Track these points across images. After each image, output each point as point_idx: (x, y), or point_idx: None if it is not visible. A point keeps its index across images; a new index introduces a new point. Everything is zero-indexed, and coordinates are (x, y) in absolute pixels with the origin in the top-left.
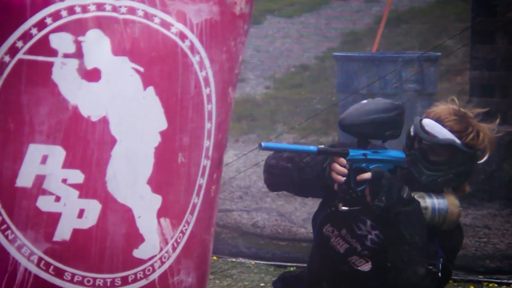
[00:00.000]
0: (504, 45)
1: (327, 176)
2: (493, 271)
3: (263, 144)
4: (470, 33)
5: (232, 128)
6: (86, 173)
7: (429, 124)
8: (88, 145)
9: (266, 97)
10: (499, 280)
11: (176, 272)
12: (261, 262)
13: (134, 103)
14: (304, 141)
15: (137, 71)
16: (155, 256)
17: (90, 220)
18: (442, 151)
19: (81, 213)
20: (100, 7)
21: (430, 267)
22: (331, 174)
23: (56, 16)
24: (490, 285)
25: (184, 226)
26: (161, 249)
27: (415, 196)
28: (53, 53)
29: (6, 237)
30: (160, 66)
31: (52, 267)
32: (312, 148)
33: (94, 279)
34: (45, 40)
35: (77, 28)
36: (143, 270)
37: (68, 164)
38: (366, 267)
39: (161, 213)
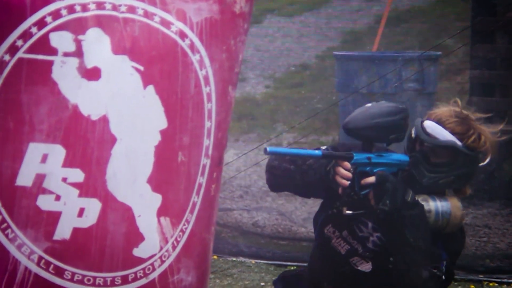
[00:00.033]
0: (504, 45)
1: (331, 180)
2: (493, 270)
3: (268, 149)
4: (470, 32)
5: (232, 128)
6: (86, 172)
7: (430, 126)
8: (88, 144)
9: (266, 96)
10: (499, 280)
11: (176, 271)
12: (262, 261)
13: (134, 102)
14: (304, 140)
15: (137, 70)
16: (155, 255)
17: (90, 219)
18: (443, 153)
19: (81, 212)
20: (100, 5)
21: (434, 271)
22: (335, 177)
23: (56, 15)
24: (491, 284)
25: (184, 225)
26: (161, 248)
27: (419, 199)
28: (53, 52)
29: (6, 236)
30: (160, 65)
31: (52, 266)
32: (317, 152)
33: (94, 278)
34: (45, 39)
35: (77, 27)
36: (143, 269)
37: (68, 163)
38: (366, 267)
39: (161, 212)
